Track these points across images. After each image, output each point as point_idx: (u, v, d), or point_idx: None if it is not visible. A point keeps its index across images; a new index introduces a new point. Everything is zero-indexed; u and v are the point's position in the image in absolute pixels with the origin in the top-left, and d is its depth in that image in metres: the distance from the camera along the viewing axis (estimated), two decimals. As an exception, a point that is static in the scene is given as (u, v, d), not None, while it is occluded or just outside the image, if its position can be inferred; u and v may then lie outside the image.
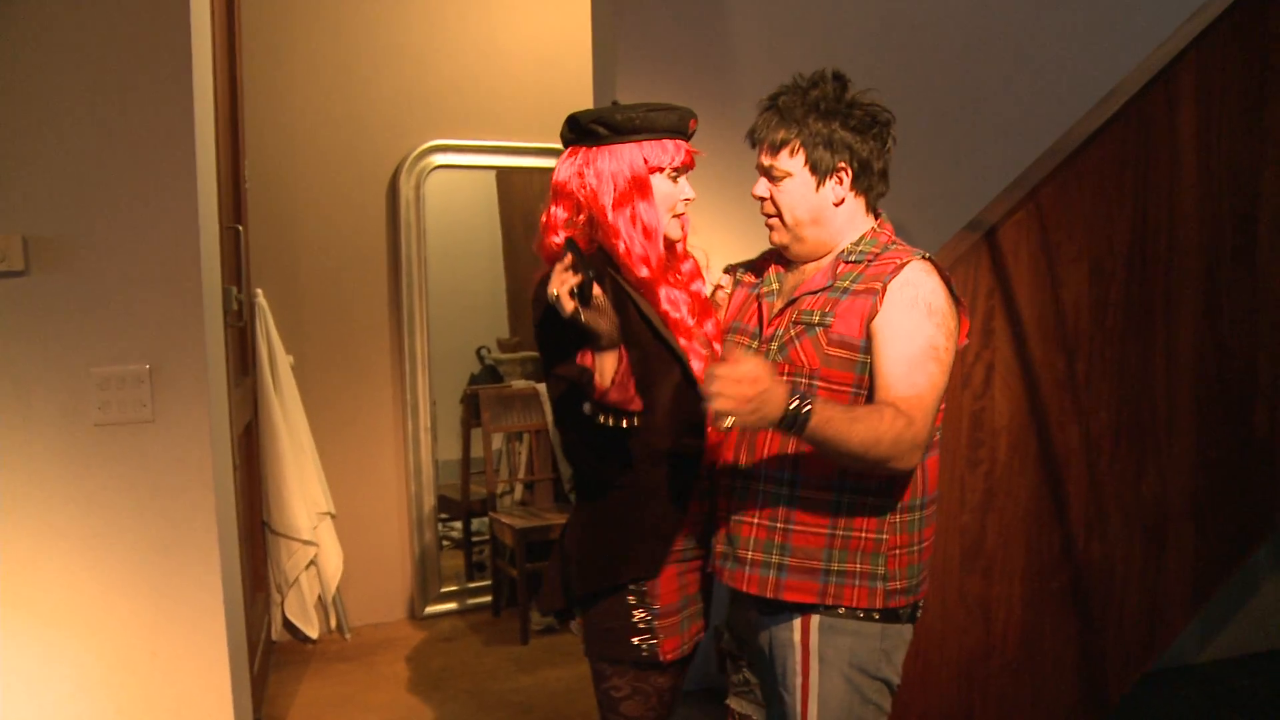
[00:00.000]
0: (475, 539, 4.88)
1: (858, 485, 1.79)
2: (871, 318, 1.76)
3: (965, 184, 2.88)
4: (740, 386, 1.52)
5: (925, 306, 1.74)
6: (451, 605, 4.50)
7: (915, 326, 1.73)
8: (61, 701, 2.47)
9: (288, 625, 4.08)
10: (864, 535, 1.80)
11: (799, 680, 1.82)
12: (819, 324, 1.80)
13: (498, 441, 4.92)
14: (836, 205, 1.85)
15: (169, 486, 2.50)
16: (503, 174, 5.21)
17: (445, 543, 5.14)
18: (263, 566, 3.89)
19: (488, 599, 4.55)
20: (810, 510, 1.80)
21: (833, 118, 1.81)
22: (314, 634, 4.07)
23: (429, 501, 4.42)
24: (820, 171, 1.82)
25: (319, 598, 4.12)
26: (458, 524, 4.93)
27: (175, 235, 2.46)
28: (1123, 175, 2.43)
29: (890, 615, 1.82)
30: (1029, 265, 2.37)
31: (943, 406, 1.80)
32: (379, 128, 4.28)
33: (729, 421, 1.54)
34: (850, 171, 1.83)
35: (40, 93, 2.35)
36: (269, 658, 3.80)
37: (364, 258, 4.30)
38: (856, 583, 1.79)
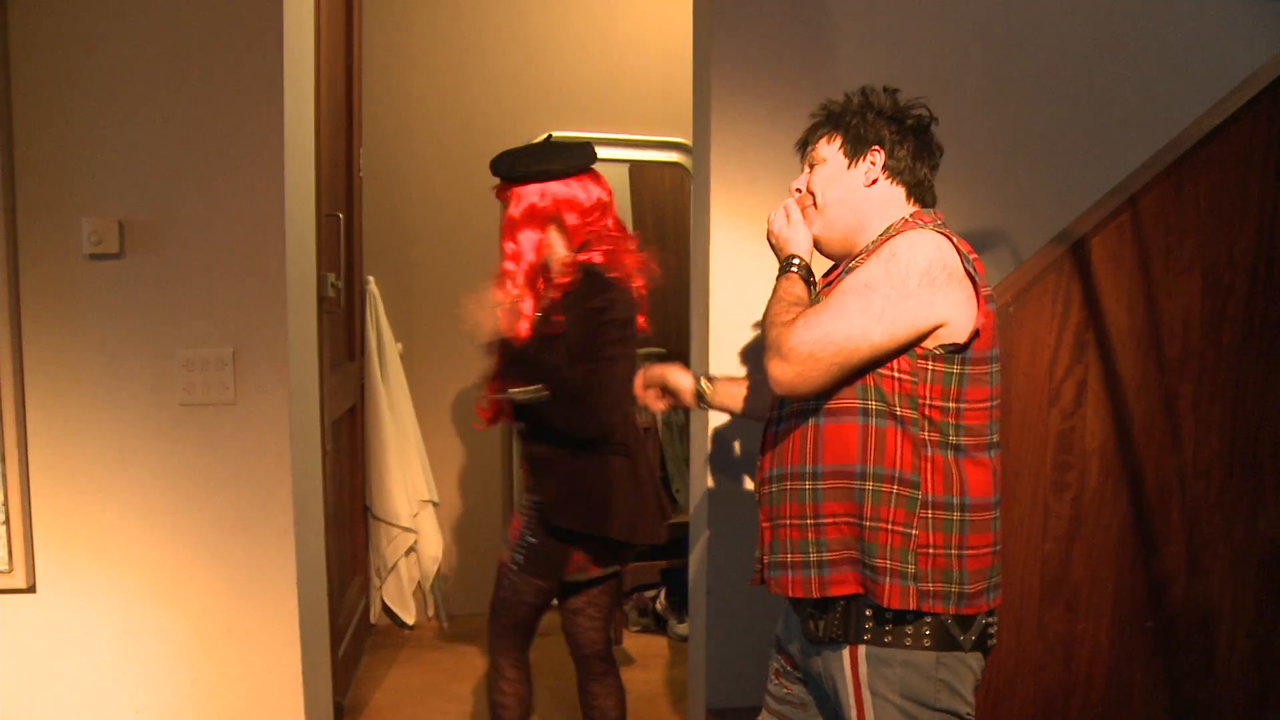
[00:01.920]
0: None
1: (880, 471, 1.68)
2: None
3: (1078, 185, 2.65)
4: (786, 214, 1.87)
5: (888, 254, 1.66)
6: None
7: (865, 268, 1.68)
8: (148, 670, 2.56)
9: (386, 610, 4.16)
10: (891, 527, 1.68)
11: (854, 714, 1.73)
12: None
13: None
14: (868, 187, 1.81)
15: (248, 468, 2.56)
16: (635, 168, 5.17)
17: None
18: (363, 551, 3.97)
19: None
20: (837, 499, 1.72)
21: (871, 110, 1.83)
22: (410, 620, 4.12)
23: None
24: (853, 152, 1.82)
25: (418, 585, 4.17)
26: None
27: (261, 222, 2.51)
28: (1247, 176, 2.18)
29: (947, 642, 1.69)
30: (1130, 274, 2.15)
31: (986, 405, 1.71)
32: (496, 118, 4.29)
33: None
34: (883, 154, 1.80)
35: (135, 82, 2.44)
36: (362, 640, 3.88)
37: (478, 249, 4.31)
38: (887, 580, 1.68)
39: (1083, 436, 2.18)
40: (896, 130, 1.80)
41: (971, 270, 1.68)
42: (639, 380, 2.28)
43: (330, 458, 3.13)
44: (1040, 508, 2.17)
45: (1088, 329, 2.15)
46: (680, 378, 2.21)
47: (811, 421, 1.74)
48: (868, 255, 1.73)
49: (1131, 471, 2.20)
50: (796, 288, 1.80)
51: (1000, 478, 1.76)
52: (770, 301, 1.79)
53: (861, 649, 1.72)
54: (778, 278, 1.84)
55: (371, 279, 4.00)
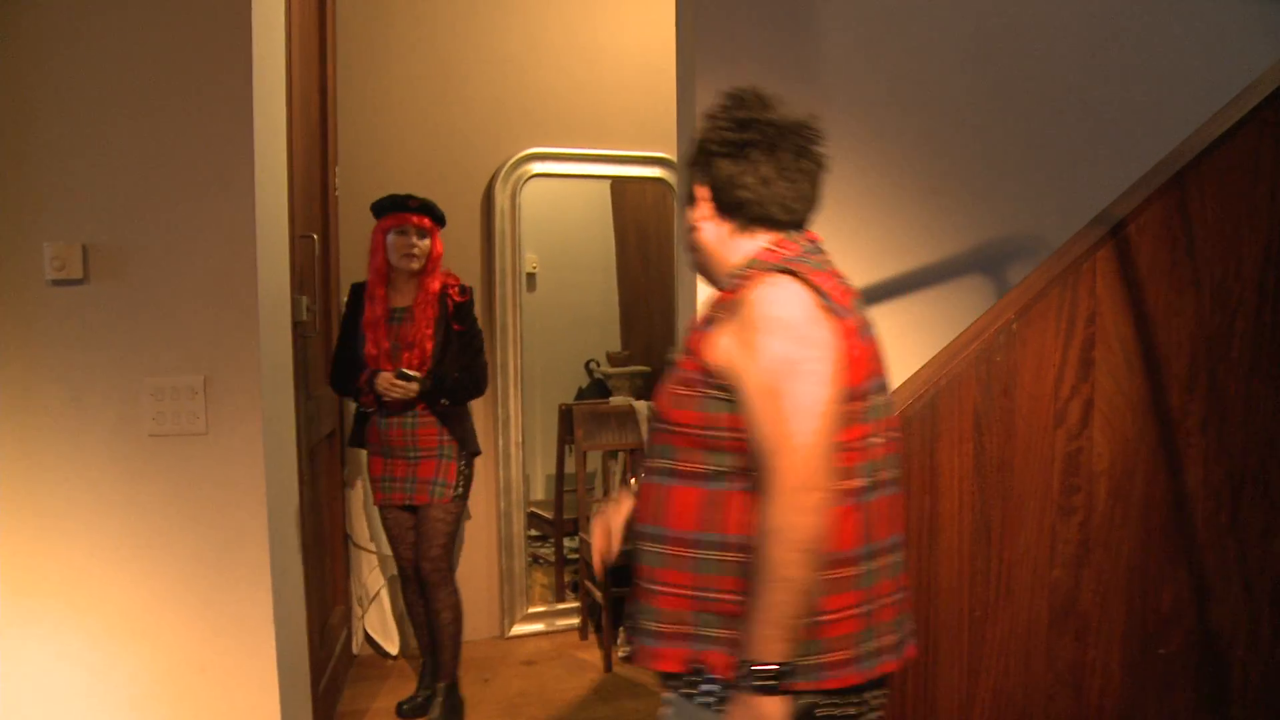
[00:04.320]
0: (573, 557, 4.77)
1: (716, 539, 1.54)
2: (709, 346, 1.56)
3: (1077, 195, 2.58)
4: None
5: (765, 323, 1.49)
6: (539, 626, 4.39)
7: (760, 349, 1.49)
8: (119, 713, 2.47)
9: (369, 640, 4.04)
10: (732, 598, 1.52)
11: None
12: (673, 363, 1.63)
13: (596, 460, 4.80)
14: (698, 232, 1.71)
15: (221, 500, 2.47)
16: (617, 184, 5.10)
17: (541, 561, 5.04)
18: (344, 580, 3.86)
19: (576, 621, 4.42)
20: (675, 567, 1.57)
21: (703, 137, 1.69)
22: (393, 650, 4.01)
23: (518, 519, 4.32)
24: (688, 197, 1.73)
25: (401, 613, 4.05)
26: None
27: (232, 245, 2.43)
28: (1255, 187, 2.11)
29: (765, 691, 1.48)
30: (1135, 290, 2.08)
31: (861, 444, 1.55)
32: (474, 135, 4.22)
33: None
34: (708, 191, 1.68)
35: (99, 103, 2.36)
36: (344, 672, 3.76)
37: (457, 267, 4.20)
38: (720, 648, 1.53)
39: (1090, 458, 2.10)
40: (721, 156, 1.66)
41: (833, 306, 1.54)
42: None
43: (308, 485, 3.03)
44: (1047, 533, 2.09)
45: (1093, 347, 2.07)
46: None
47: (659, 480, 1.60)
48: (720, 319, 1.58)
49: (1141, 494, 2.12)
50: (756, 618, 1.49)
51: (895, 517, 1.62)
52: (776, 613, 1.45)
53: (674, 696, 1.59)
54: (785, 673, 1.48)
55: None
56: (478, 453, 3.60)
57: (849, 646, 1.53)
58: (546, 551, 5.01)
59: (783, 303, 1.50)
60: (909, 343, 2.66)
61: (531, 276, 5.44)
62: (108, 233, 2.39)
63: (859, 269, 2.68)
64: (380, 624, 3.98)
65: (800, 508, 1.43)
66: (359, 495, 3.84)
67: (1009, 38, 2.75)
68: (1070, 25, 2.80)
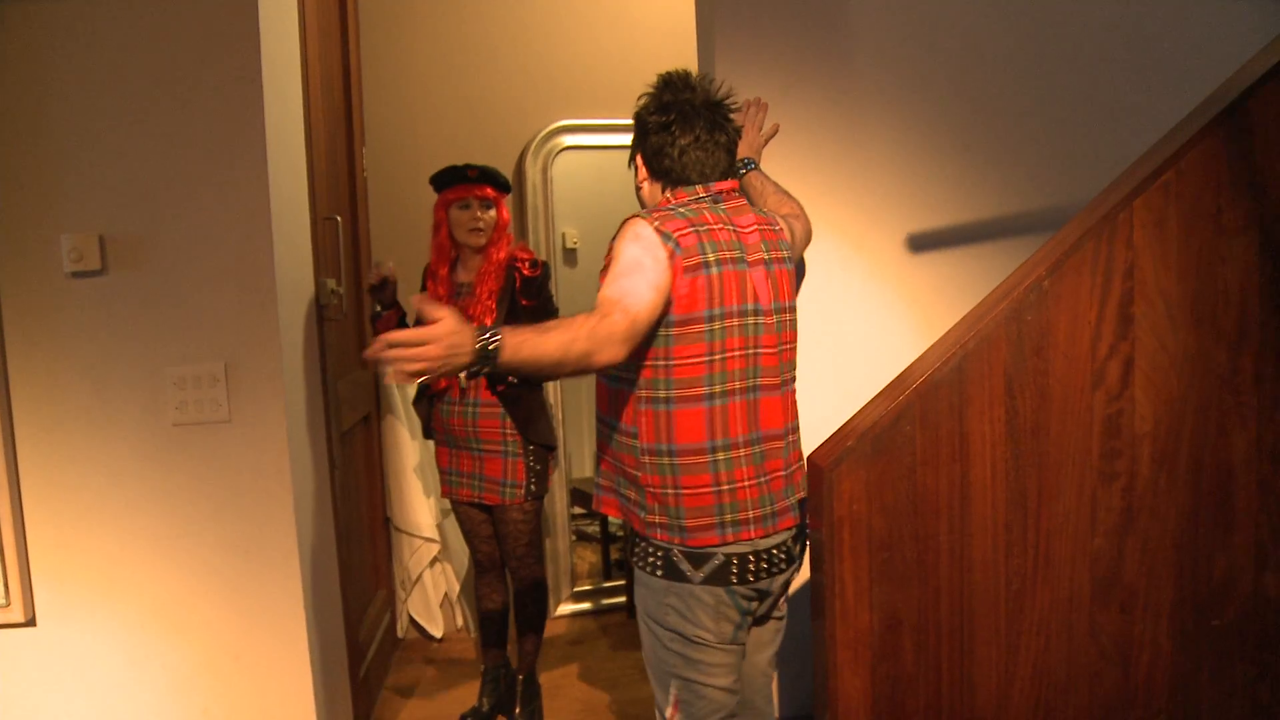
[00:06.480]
0: (619, 534, 4.73)
1: (610, 421, 2.07)
2: None
3: (1124, 145, 2.45)
4: (424, 351, 1.64)
5: (620, 236, 1.95)
6: (585, 605, 4.35)
7: (616, 255, 1.94)
8: (154, 703, 2.50)
9: (413, 623, 4.04)
10: (627, 467, 2.04)
11: None
12: None
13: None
14: (641, 190, 2.17)
15: (247, 488, 2.47)
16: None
17: (585, 538, 5.00)
18: (385, 563, 3.85)
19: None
20: (604, 440, 2.11)
21: (636, 114, 2.12)
22: (438, 633, 3.99)
23: (561, 497, 4.27)
24: (629, 161, 2.18)
25: (444, 595, 4.04)
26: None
27: (247, 230, 2.42)
28: (1306, 124, 1.97)
29: (674, 574, 1.99)
30: (1179, 239, 1.95)
31: (703, 359, 1.94)
32: (503, 109, 4.16)
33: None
34: (641, 157, 2.12)
35: (108, 94, 2.36)
36: (389, 656, 3.76)
37: (490, 244, 4.20)
38: (630, 506, 2.06)
39: (1131, 420, 1.98)
40: (639, 138, 2.10)
41: (674, 246, 1.91)
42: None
43: (341, 470, 3.01)
44: (1087, 500, 1.98)
45: (1132, 302, 1.95)
46: None
47: (600, 379, 2.11)
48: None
49: (1188, 457, 2.00)
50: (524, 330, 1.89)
51: (760, 416, 1.99)
52: (533, 343, 1.80)
53: (636, 572, 2.09)
54: (494, 356, 1.78)
55: (382, 281, 3.86)
56: (551, 447, 3.20)
57: (704, 516, 1.97)
58: (593, 529, 4.97)
59: (631, 226, 1.96)
60: (940, 302, 2.56)
61: (572, 252, 5.38)
62: (124, 223, 2.39)
63: (886, 222, 2.57)
64: (424, 607, 3.97)
65: (595, 325, 1.84)
66: (399, 478, 3.82)
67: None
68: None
